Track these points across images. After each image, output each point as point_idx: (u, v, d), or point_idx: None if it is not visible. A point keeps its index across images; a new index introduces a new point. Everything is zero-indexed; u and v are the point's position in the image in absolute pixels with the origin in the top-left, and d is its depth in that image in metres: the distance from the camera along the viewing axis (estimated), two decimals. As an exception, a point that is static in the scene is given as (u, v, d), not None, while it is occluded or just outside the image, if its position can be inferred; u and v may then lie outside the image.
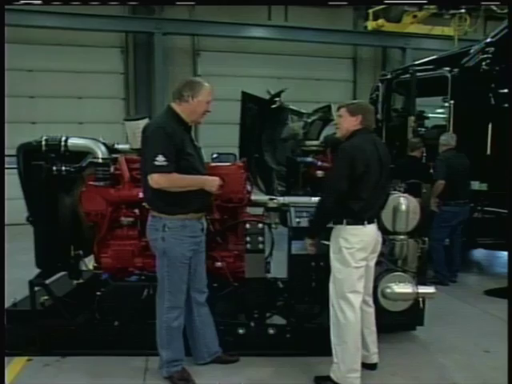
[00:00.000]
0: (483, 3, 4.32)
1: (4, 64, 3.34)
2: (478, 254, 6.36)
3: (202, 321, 2.96)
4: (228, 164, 3.40)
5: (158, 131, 2.62)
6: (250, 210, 3.46)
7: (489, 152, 4.94)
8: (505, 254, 6.20)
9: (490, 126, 4.95)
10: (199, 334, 2.97)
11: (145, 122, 3.65)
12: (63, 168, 3.25)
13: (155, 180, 2.60)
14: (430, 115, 6.76)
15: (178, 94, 2.72)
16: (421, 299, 3.09)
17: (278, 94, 6.13)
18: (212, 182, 2.75)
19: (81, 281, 3.48)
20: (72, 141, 3.30)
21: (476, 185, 5.00)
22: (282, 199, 3.50)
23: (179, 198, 2.65)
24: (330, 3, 9.43)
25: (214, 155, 3.92)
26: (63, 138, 3.28)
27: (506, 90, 5.01)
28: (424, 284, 3.18)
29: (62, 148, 3.26)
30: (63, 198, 3.35)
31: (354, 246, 2.70)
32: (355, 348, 2.74)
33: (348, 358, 2.72)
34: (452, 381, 2.95)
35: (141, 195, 3.16)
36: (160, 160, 2.55)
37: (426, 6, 9.45)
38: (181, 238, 2.70)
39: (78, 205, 3.35)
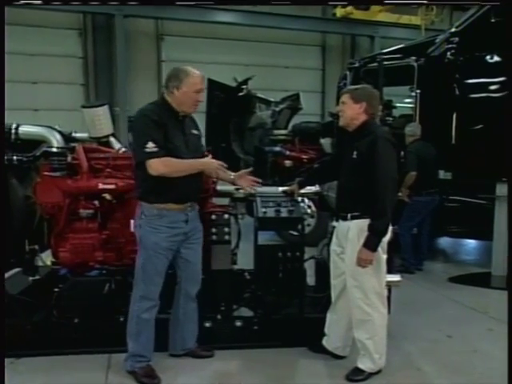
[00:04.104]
0: (483, 3, 4.36)
1: (4, 63, 3.09)
2: (443, 242, 6.53)
3: (185, 313, 2.91)
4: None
5: (144, 119, 2.59)
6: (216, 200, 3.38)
7: (453, 141, 5.03)
8: (469, 241, 6.41)
9: (454, 115, 5.02)
10: (179, 325, 2.93)
11: (104, 108, 3.50)
12: (14, 157, 3.07)
13: (154, 166, 2.52)
14: (398, 104, 6.83)
15: (165, 84, 2.67)
16: (387, 287, 3.12)
17: (245, 82, 6.03)
18: (210, 165, 2.71)
19: (37, 277, 3.32)
20: (23, 129, 3.14)
21: (441, 174, 5.08)
22: (248, 189, 3.41)
23: (156, 186, 2.58)
24: (330, 3, 9.38)
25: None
26: (14, 126, 3.11)
27: (470, 81, 5.09)
28: (390, 272, 3.20)
29: (13, 136, 3.09)
30: (15, 189, 3.17)
31: (385, 238, 2.61)
32: (385, 335, 2.76)
33: (381, 347, 2.75)
34: (416, 366, 2.99)
35: (100, 186, 3.04)
36: (150, 146, 2.49)
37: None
38: (156, 227, 2.63)
39: (33, 196, 3.18)
